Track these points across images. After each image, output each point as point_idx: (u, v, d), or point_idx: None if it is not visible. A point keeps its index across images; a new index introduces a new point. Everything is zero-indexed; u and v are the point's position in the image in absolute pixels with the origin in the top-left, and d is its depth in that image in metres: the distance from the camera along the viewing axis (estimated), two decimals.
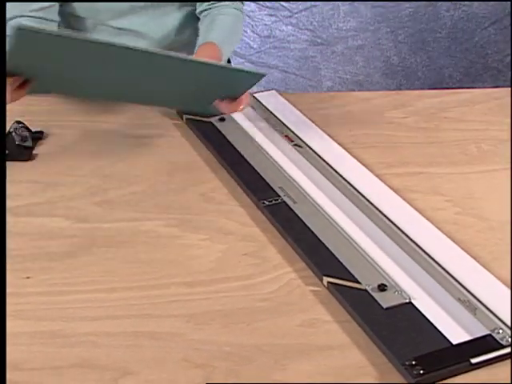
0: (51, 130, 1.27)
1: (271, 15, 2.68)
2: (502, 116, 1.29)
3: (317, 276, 0.89)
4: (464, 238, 0.95)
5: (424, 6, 2.81)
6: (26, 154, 1.18)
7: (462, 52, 2.84)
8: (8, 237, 0.95)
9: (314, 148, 1.16)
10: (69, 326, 0.83)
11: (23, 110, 1.29)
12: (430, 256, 0.89)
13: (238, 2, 1.43)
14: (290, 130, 1.22)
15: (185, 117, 1.29)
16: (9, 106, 1.05)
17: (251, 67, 2.33)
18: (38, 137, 1.24)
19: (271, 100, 1.35)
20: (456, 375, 0.75)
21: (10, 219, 1.01)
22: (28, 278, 0.91)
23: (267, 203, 1.03)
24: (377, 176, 1.09)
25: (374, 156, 1.16)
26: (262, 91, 1.39)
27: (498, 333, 0.78)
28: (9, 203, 1.04)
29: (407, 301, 0.83)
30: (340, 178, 1.07)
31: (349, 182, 1.06)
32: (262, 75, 1.10)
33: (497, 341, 0.77)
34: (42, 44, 0.94)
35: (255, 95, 1.35)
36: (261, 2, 2.68)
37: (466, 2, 2.73)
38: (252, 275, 0.90)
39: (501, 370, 0.75)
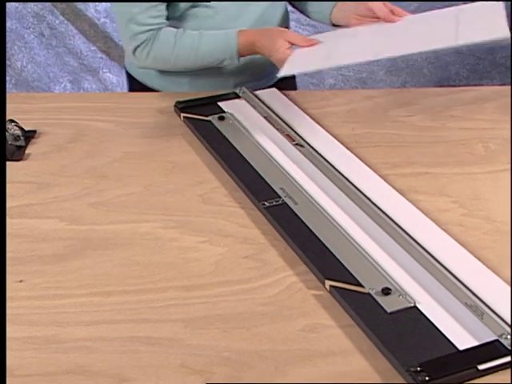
0: (44, 128, 1.28)
1: None
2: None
3: (319, 279, 0.89)
4: (470, 241, 0.95)
5: (430, 1, 2.82)
6: (18, 153, 1.19)
7: (469, 48, 2.84)
8: None
9: (315, 147, 1.16)
10: (63, 331, 0.83)
11: (15, 108, 1.29)
12: (435, 259, 0.89)
13: None
14: (291, 128, 1.22)
15: (182, 115, 1.29)
16: None
17: None
18: (30, 136, 1.24)
19: (272, 98, 1.35)
20: (462, 382, 0.75)
21: None
22: (21, 281, 0.91)
23: (268, 204, 1.03)
24: (381, 176, 1.09)
25: (377, 156, 1.17)
26: (263, 89, 1.40)
27: (506, 338, 0.78)
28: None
29: (412, 305, 0.83)
30: (343, 179, 1.07)
31: (352, 183, 1.06)
32: None
33: (505, 346, 0.77)
34: None
35: (255, 93, 1.35)
36: None
37: None
38: (252, 279, 0.91)
39: (509, 377, 0.75)
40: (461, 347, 0.77)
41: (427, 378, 0.73)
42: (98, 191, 1.10)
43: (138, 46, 1.32)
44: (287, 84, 1.49)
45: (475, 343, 0.78)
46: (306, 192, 1.06)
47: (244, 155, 1.16)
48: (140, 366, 0.78)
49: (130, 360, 0.79)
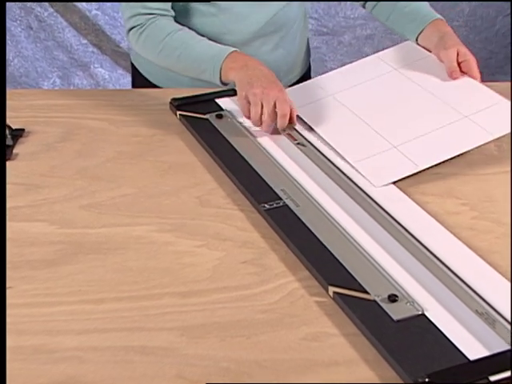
0: (33, 127, 1.28)
1: None
2: None
3: (322, 286, 0.90)
4: (482, 245, 0.96)
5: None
6: (5, 153, 1.19)
7: (482, 42, 2.84)
8: None
9: (318, 147, 1.16)
10: (53, 341, 0.83)
11: None
12: (444, 264, 0.90)
13: None
14: (292, 127, 1.22)
15: (179, 113, 1.30)
16: None
17: None
18: (18, 135, 1.25)
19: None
20: None
21: None
22: (9, 287, 0.91)
23: (268, 207, 1.03)
24: None
25: None
26: None
27: None
28: None
29: (420, 312, 0.84)
30: (346, 180, 1.08)
31: (356, 184, 1.07)
32: None
33: None
34: None
35: None
36: None
37: None
38: (252, 285, 0.91)
39: None
40: (471, 357, 0.78)
41: None
42: (89, 193, 1.10)
43: (133, 27, 1.32)
44: (303, 80, 1.51)
45: (486, 353, 0.78)
46: (308, 194, 1.06)
47: (243, 155, 1.16)
48: (134, 377, 0.78)
49: (123, 371, 0.79)
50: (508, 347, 0.78)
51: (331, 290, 0.88)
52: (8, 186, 1.11)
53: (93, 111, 1.34)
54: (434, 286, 0.88)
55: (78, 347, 0.82)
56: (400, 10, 1.39)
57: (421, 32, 1.34)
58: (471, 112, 1.16)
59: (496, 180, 1.11)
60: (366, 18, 2.73)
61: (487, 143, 1.12)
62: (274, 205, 1.04)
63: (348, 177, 1.08)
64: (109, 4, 2.64)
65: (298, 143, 1.18)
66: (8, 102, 1.31)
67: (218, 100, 1.33)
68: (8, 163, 1.18)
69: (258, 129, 1.23)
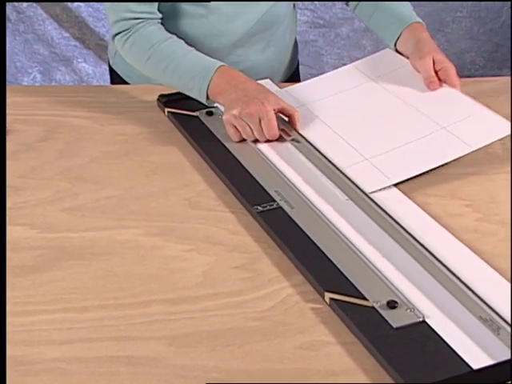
0: (12, 125, 1.28)
1: None
2: None
3: (317, 292, 0.90)
4: (486, 248, 0.96)
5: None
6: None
7: (486, 34, 2.85)
8: None
9: (314, 144, 1.17)
10: (33, 352, 0.83)
11: None
12: (446, 268, 0.90)
13: None
14: (286, 123, 1.23)
15: (167, 110, 1.30)
16: None
17: None
18: None
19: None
20: None
21: None
22: None
23: (261, 209, 1.04)
24: None
25: None
26: (256, 80, 1.40)
27: None
28: None
29: (421, 319, 0.84)
30: (344, 179, 1.08)
31: (354, 183, 1.07)
32: None
33: None
34: None
35: None
36: None
37: None
38: (244, 291, 0.91)
39: None
40: (475, 366, 0.78)
41: None
42: (72, 195, 1.11)
43: (119, 33, 1.31)
44: (293, 79, 1.52)
45: (491, 362, 0.79)
46: (303, 195, 1.07)
47: (235, 154, 1.17)
48: None
49: (108, 382, 0.79)
50: None
51: (327, 296, 0.88)
52: None
53: (76, 109, 1.34)
54: (435, 291, 0.89)
55: (60, 358, 0.82)
56: (381, 12, 1.38)
57: (398, 37, 1.33)
58: (449, 123, 1.16)
59: (501, 180, 1.11)
60: None
61: (464, 155, 1.11)
62: (268, 207, 1.04)
63: (346, 176, 1.09)
64: None
65: (293, 139, 1.19)
66: None
67: None
68: None
69: None
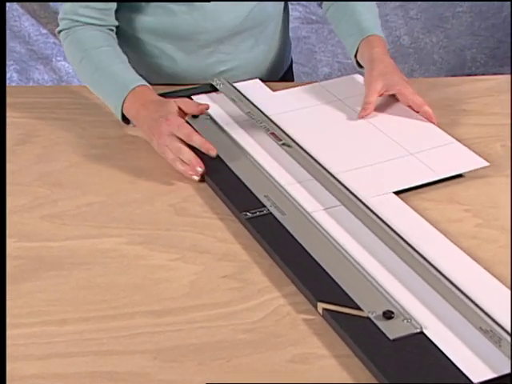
0: None
1: None
2: None
3: (310, 302, 0.91)
4: (486, 255, 0.97)
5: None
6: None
7: (488, 29, 2.87)
8: None
9: (305, 148, 1.17)
10: (10, 367, 0.83)
11: None
12: (445, 277, 0.90)
13: None
14: (277, 126, 1.23)
15: None
16: None
17: None
18: None
19: (255, 90, 1.36)
20: None
21: None
22: None
23: (250, 215, 1.04)
24: None
25: None
26: (244, 80, 1.41)
27: None
28: None
29: (418, 330, 0.85)
30: (337, 184, 1.09)
31: (348, 189, 1.07)
32: None
33: None
34: None
35: (235, 85, 1.37)
36: None
37: None
38: (232, 302, 0.92)
39: None
40: (475, 380, 0.78)
41: None
42: (52, 202, 1.11)
43: (62, 31, 1.34)
44: (286, 79, 1.52)
45: (492, 375, 0.79)
46: (295, 200, 1.07)
47: (222, 158, 1.17)
48: None
49: None
50: None
51: (320, 306, 0.89)
52: None
53: (55, 110, 1.35)
54: (433, 301, 0.89)
55: (38, 374, 0.82)
56: (347, 20, 1.38)
57: (357, 49, 1.33)
58: (418, 150, 1.17)
59: (501, 184, 1.12)
60: None
61: (431, 183, 1.11)
62: (257, 213, 1.05)
63: (340, 181, 1.09)
64: None
65: (283, 144, 1.19)
66: None
67: (194, 97, 1.34)
68: None
69: (238, 128, 1.24)
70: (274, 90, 1.37)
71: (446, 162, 1.14)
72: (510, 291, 0.90)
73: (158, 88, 1.36)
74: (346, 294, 0.90)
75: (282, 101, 1.33)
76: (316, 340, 0.86)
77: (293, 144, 1.18)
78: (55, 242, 1.03)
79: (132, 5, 1.34)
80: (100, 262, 0.99)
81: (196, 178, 1.13)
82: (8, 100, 1.37)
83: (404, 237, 0.97)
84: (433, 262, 0.93)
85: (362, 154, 1.18)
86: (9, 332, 0.88)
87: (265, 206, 1.06)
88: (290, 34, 1.59)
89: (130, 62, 1.31)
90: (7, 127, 1.29)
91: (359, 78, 1.37)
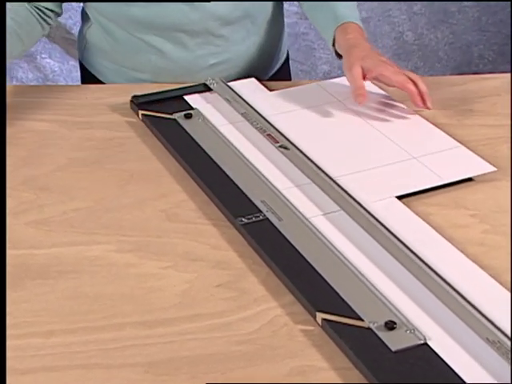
0: None
1: None
2: None
3: (308, 312, 0.91)
4: (493, 263, 0.97)
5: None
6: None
7: (496, 25, 2.87)
8: None
9: (303, 150, 1.18)
10: None
11: None
12: (450, 286, 0.91)
13: None
14: (273, 127, 1.24)
15: (141, 113, 1.31)
16: None
17: None
18: None
19: (250, 90, 1.37)
20: None
21: None
22: None
23: (246, 221, 1.05)
24: None
25: None
26: (240, 79, 1.42)
27: None
28: None
29: (422, 342, 0.85)
30: (337, 188, 1.09)
31: (348, 193, 1.08)
32: None
33: None
34: None
35: (230, 84, 1.37)
36: None
37: None
38: (227, 312, 0.92)
39: None
40: None
41: None
42: (37, 207, 1.11)
43: None
44: (282, 74, 1.52)
45: None
46: (292, 205, 1.07)
47: (216, 161, 1.18)
48: None
49: None
50: None
51: (319, 316, 0.89)
52: None
53: (40, 111, 1.35)
54: (437, 310, 0.89)
55: None
56: (322, 9, 1.39)
57: (334, 40, 1.34)
58: (421, 153, 1.18)
59: (508, 188, 1.12)
60: None
61: (435, 187, 1.12)
62: (253, 218, 1.05)
63: (339, 185, 1.09)
64: None
65: (281, 146, 1.20)
66: None
67: (186, 97, 1.35)
68: None
69: (233, 130, 1.25)
70: (270, 90, 1.38)
71: (451, 167, 1.15)
72: None
73: (148, 87, 1.37)
74: (347, 304, 0.90)
75: (279, 101, 1.34)
76: (315, 352, 0.86)
77: (290, 146, 1.19)
78: (41, 249, 1.03)
79: None
80: (88, 271, 0.99)
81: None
82: None
83: (407, 243, 0.97)
84: (437, 270, 0.93)
85: (362, 156, 1.19)
86: None
87: (261, 212, 1.06)
88: (288, 30, 1.60)
89: (114, 62, 1.31)
90: None
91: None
